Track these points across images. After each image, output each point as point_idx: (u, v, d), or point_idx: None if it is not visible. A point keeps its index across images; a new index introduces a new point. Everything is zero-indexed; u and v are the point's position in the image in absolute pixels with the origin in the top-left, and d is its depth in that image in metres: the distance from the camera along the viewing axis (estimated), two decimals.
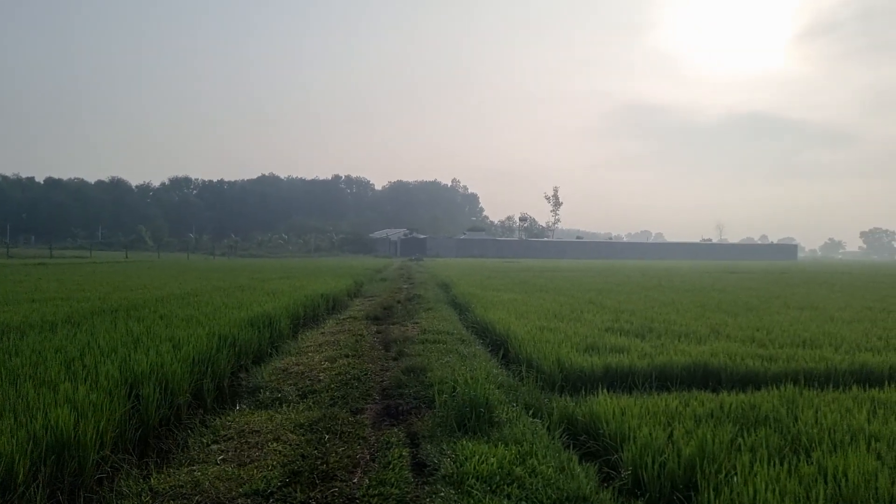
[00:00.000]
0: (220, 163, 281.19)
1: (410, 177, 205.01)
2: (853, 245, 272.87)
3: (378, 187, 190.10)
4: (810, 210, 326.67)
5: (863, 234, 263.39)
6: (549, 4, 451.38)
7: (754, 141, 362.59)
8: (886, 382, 7.13)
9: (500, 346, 10.03)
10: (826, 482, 4.16)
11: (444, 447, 5.23)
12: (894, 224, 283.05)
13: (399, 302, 18.83)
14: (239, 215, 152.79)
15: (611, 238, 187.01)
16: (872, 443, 4.88)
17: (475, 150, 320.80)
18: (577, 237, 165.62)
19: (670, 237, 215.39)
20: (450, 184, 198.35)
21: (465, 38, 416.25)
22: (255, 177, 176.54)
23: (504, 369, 8.56)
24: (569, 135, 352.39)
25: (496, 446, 5.11)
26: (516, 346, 9.19)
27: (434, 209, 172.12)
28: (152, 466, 5.10)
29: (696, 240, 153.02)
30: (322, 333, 12.54)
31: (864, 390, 6.70)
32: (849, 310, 14.72)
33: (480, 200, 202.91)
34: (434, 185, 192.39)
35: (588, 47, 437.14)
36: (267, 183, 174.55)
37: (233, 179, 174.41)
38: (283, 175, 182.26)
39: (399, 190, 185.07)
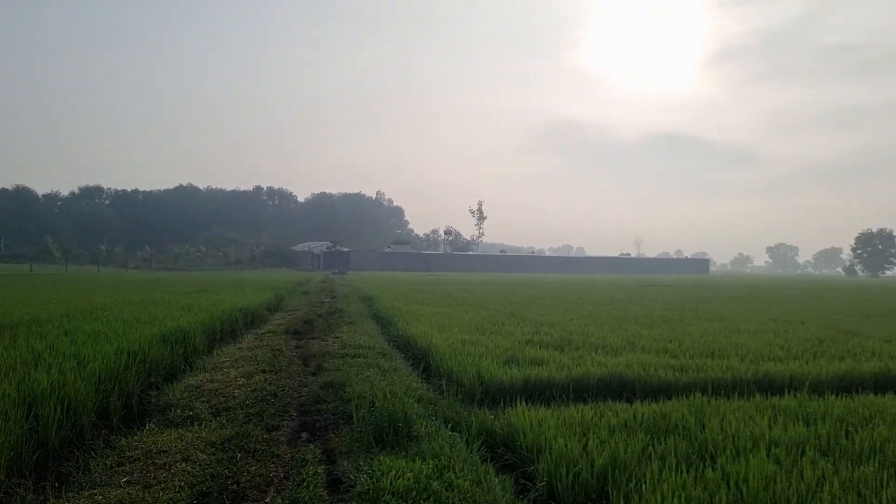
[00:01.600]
0: (134, 172, 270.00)
1: (334, 189, 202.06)
2: (760, 259, 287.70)
3: (301, 199, 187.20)
4: (721, 226, 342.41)
5: (769, 250, 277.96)
6: (472, 21, 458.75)
7: (669, 159, 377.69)
8: (786, 390, 7.49)
9: (421, 360, 10.01)
10: (728, 487, 4.32)
11: (361, 463, 5.16)
12: (795, 240, 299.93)
13: (320, 316, 18.56)
14: (155, 227, 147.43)
15: (533, 252, 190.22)
16: (772, 448, 5.11)
17: (400, 163, 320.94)
18: (501, 251, 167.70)
19: (591, 251, 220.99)
20: (374, 196, 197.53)
21: (388, 53, 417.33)
22: (172, 187, 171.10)
23: (425, 383, 8.54)
24: (493, 150, 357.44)
25: (414, 461, 5.07)
26: (437, 360, 9.20)
27: (358, 222, 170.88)
28: (50, 491, 4.82)
29: (616, 254, 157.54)
30: (239, 349, 12.20)
31: (766, 398, 7.03)
32: (754, 321, 15.45)
33: (405, 214, 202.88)
34: (358, 198, 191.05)
35: (511, 64, 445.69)
36: (185, 193, 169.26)
37: (148, 189, 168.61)
38: (202, 185, 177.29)
39: (322, 202, 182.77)
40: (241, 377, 9.12)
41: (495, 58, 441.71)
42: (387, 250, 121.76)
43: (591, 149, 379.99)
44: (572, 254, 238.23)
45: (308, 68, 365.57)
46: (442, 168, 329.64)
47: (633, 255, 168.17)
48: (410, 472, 4.79)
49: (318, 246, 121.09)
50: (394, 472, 4.78)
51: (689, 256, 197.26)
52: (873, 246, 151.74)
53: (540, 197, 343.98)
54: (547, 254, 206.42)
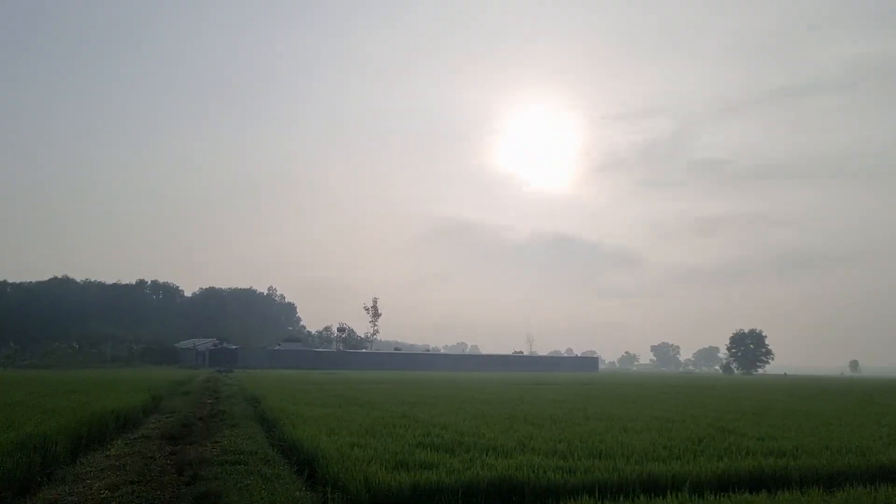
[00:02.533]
0: (2, 262, 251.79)
1: (224, 283, 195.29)
2: (646, 357, 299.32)
3: (188, 294, 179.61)
4: (608, 325, 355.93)
5: (653, 348, 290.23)
6: (371, 120, 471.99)
7: (559, 260, 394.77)
8: (668, 490, 7.63)
9: (307, 466, 9.55)
10: None
11: None
12: (677, 339, 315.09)
13: (201, 418, 17.50)
14: (24, 321, 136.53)
15: (428, 349, 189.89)
16: None
17: (294, 259, 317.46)
18: (396, 348, 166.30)
19: (485, 349, 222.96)
20: (266, 292, 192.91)
21: (286, 146, 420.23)
22: (45, 279, 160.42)
23: (310, 491, 8.12)
24: (389, 247, 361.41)
25: None
26: (324, 465, 8.81)
27: (249, 318, 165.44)
28: None
29: (509, 352, 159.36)
30: (107, 456, 11.24)
31: (650, 498, 7.12)
32: (640, 420, 15.84)
33: (298, 310, 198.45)
34: (249, 293, 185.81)
35: (408, 165, 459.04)
36: (60, 286, 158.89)
37: (17, 281, 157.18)
38: (79, 278, 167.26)
39: (211, 297, 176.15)
40: (106, 489, 8.35)
41: (395, 157, 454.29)
42: (277, 348, 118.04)
43: (486, 248, 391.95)
44: (467, 351, 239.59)
45: (197, 159, 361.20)
46: (337, 264, 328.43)
47: (526, 352, 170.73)
48: None
49: (204, 343, 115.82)
50: None
51: (579, 354, 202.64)
52: (746, 345, 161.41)
53: (435, 295, 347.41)
54: (442, 351, 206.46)
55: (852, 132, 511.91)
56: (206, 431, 14.67)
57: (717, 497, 7.31)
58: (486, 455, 9.68)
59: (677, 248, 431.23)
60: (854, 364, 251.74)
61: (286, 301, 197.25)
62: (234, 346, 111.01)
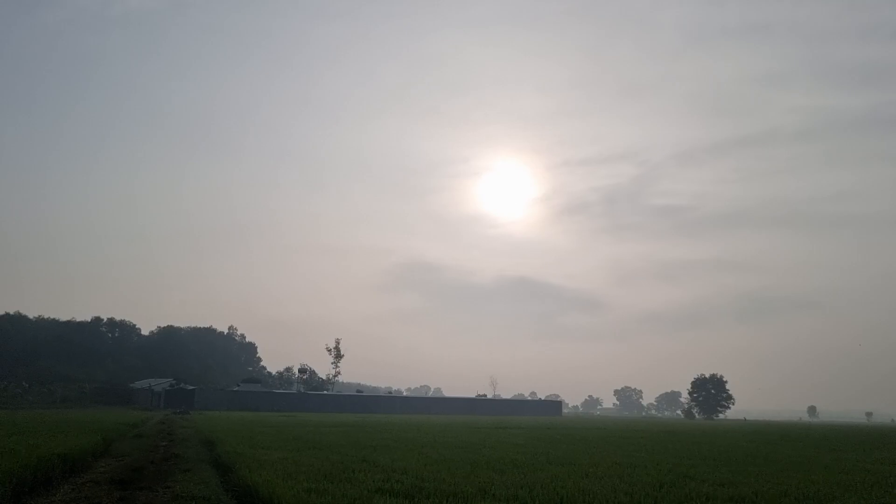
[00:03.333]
0: None
1: (183, 322, 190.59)
2: (609, 401, 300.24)
3: (145, 332, 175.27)
4: (572, 368, 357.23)
5: (616, 392, 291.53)
6: (336, 160, 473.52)
7: (522, 302, 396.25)
8: None
9: None
10: None
11: None
12: (640, 383, 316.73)
13: (153, 462, 16.91)
14: None
15: (391, 392, 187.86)
16: None
17: (255, 298, 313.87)
18: (358, 391, 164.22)
19: (448, 392, 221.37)
20: (226, 331, 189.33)
21: (246, 185, 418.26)
22: None
23: None
24: (352, 288, 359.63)
25: None
26: None
27: (207, 358, 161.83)
28: None
29: (472, 394, 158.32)
30: (52, 502, 10.75)
31: None
32: (601, 465, 15.78)
33: (259, 350, 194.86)
34: (209, 332, 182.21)
35: (372, 205, 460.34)
36: (10, 322, 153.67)
37: None
38: (31, 314, 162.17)
39: (169, 336, 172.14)
40: None
41: (359, 196, 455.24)
42: (236, 389, 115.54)
43: (450, 290, 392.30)
44: (430, 394, 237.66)
45: (157, 197, 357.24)
46: (299, 304, 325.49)
47: (490, 395, 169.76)
48: None
49: (160, 383, 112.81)
50: None
51: (542, 398, 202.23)
52: (707, 390, 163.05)
53: (399, 336, 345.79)
54: (405, 394, 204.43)
55: (808, 180, 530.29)
56: (157, 476, 14.16)
57: None
58: (447, 501, 9.52)
59: (639, 292, 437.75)
60: (812, 409, 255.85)
61: (247, 341, 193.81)
62: (191, 387, 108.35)
